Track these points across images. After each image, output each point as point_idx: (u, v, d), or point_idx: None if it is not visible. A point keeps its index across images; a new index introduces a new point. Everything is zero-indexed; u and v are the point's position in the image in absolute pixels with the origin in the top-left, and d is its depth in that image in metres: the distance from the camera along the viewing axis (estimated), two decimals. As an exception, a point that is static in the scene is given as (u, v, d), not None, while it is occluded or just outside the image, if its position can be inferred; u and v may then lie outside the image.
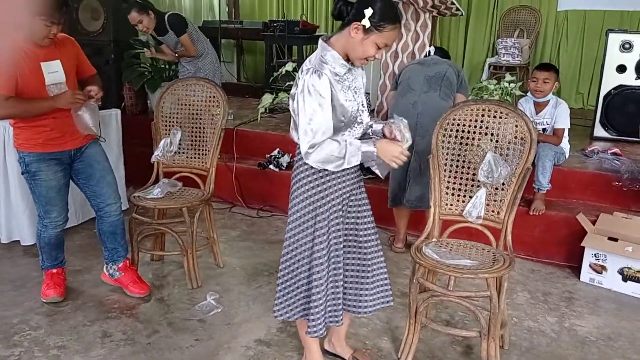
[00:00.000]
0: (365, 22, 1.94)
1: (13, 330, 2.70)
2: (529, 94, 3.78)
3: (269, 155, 4.50)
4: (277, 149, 4.52)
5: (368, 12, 1.94)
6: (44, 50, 2.71)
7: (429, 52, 3.88)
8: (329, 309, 2.23)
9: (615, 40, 4.51)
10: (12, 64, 2.55)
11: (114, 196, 2.97)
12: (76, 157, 2.88)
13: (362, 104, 2.13)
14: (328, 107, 1.98)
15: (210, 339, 2.68)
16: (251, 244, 3.84)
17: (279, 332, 2.74)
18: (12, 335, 2.66)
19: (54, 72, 2.73)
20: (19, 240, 3.66)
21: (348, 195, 2.19)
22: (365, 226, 2.26)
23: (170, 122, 3.32)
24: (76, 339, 2.65)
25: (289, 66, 4.84)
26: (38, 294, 3.02)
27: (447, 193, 2.57)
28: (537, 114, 3.73)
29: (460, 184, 2.55)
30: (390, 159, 2.04)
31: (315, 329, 2.17)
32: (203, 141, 3.31)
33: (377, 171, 2.14)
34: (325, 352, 2.48)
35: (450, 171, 2.56)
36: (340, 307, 2.23)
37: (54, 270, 3.02)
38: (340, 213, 2.17)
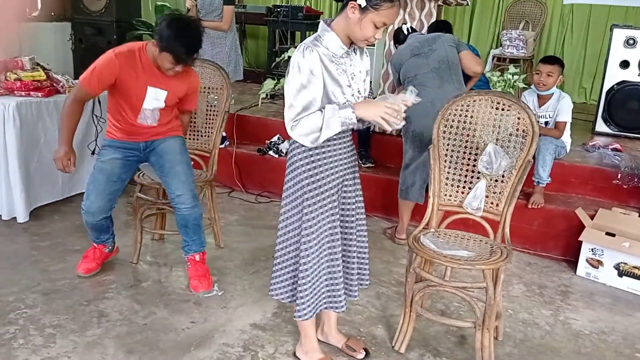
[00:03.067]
0: (361, 1, 1.93)
1: (8, 308, 2.70)
2: (532, 86, 3.77)
3: (268, 141, 4.49)
4: (277, 135, 4.51)
5: None
6: (161, 76, 2.75)
7: (407, 30, 3.67)
8: (326, 293, 2.24)
9: (619, 35, 4.51)
10: (104, 67, 2.68)
11: (181, 188, 2.84)
12: (148, 148, 2.93)
13: (358, 91, 2.12)
14: (316, 83, 1.97)
15: (205, 322, 2.69)
16: (249, 229, 3.84)
17: (274, 316, 2.75)
18: (8, 313, 2.66)
19: (155, 99, 2.80)
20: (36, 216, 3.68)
21: (342, 180, 2.19)
22: (358, 211, 2.28)
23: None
24: (72, 318, 2.65)
25: (292, 52, 4.81)
26: (35, 272, 3.03)
27: (446, 184, 2.57)
28: (540, 107, 3.72)
29: (460, 175, 2.55)
30: (376, 118, 1.98)
31: (302, 312, 2.19)
32: (206, 123, 3.35)
33: (386, 126, 2.03)
34: (318, 342, 2.47)
35: (450, 162, 2.55)
36: (341, 291, 2.24)
37: (95, 246, 3.08)
38: (335, 197, 2.17)
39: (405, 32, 3.67)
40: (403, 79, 3.48)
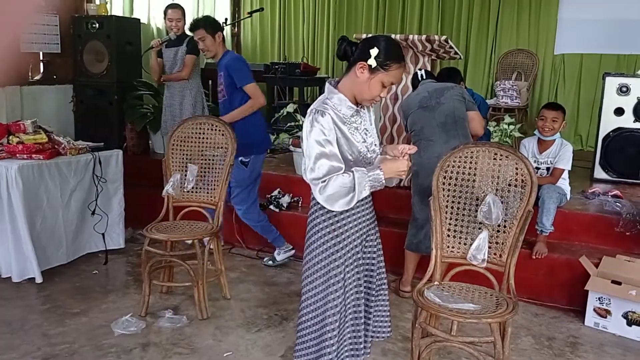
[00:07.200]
0: (372, 61, 1.97)
1: (7, 375, 2.64)
2: (535, 131, 3.80)
3: (269, 196, 4.49)
4: (278, 189, 4.52)
5: (374, 51, 1.96)
6: None
7: (420, 75, 3.67)
8: (349, 352, 2.19)
9: (612, 83, 4.57)
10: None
11: None
12: None
13: (373, 144, 2.14)
14: (333, 145, 1.98)
15: (208, 385, 2.62)
16: (250, 286, 3.79)
17: (278, 377, 2.68)
18: (6, 380, 2.60)
19: None
20: (33, 278, 3.61)
21: (365, 236, 2.18)
22: (380, 265, 2.27)
23: (180, 158, 3.44)
24: (71, 385, 2.59)
25: (290, 107, 4.88)
26: (35, 336, 2.97)
27: (448, 235, 2.55)
28: (540, 153, 3.75)
29: (462, 227, 2.54)
30: (397, 175, 2.06)
31: None
32: (211, 176, 3.43)
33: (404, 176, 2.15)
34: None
35: (451, 213, 2.55)
36: (361, 345, 2.22)
37: None
38: (359, 255, 2.16)
39: (419, 78, 3.68)
40: (410, 128, 3.53)
